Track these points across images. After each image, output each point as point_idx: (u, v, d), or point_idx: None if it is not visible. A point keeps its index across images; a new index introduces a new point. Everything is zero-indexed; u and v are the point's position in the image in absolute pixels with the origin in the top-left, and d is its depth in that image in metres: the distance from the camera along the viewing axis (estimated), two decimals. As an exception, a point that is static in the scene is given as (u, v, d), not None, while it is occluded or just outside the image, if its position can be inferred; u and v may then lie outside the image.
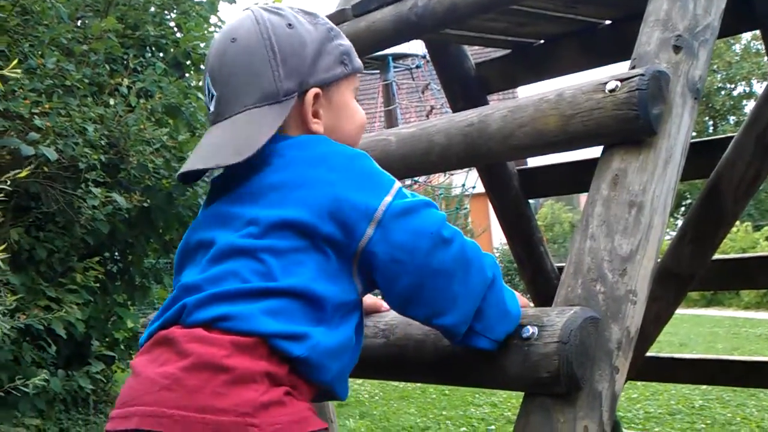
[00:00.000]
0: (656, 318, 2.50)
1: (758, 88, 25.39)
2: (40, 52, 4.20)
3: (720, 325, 10.60)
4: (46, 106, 3.95)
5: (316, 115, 1.23)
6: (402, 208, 1.14)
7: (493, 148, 1.56)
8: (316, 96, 1.22)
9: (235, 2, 5.72)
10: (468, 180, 12.84)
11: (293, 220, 1.11)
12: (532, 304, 1.37)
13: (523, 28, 2.44)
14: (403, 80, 15.02)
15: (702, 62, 1.44)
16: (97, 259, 4.61)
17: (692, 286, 2.60)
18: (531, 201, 3.02)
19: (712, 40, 1.47)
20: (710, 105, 24.97)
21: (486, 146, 1.56)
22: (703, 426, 4.95)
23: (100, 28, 4.49)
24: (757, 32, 2.57)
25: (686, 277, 2.51)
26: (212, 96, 1.23)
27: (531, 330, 1.20)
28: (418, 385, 6.55)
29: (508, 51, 2.71)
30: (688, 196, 21.76)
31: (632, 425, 4.96)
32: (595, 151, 1.51)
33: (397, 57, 13.79)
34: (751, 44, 25.10)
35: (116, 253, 5.41)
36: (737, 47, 25.38)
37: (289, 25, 1.22)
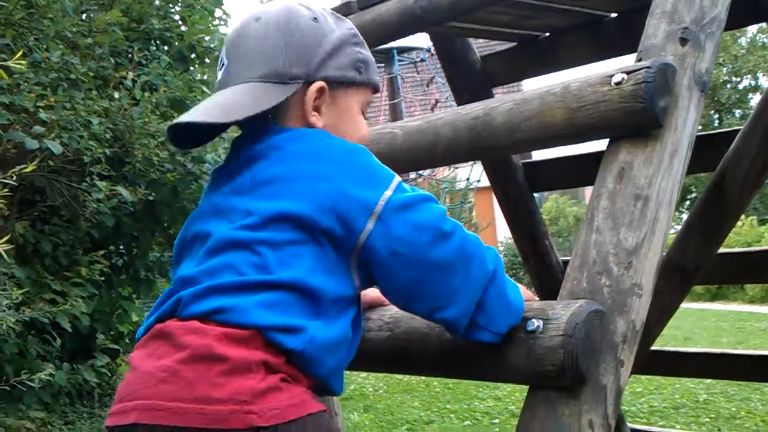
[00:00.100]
0: (661, 312, 2.49)
1: (764, 81, 25.33)
2: (45, 46, 4.20)
3: (725, 319, 10.59)
4: (51, 99, 3.95)
5: (317, 109, 1.23)
6: (402, 202, 1.14)
7: (499, 141, 1.55)
8: (321, 90, 1.22)
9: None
10: (473, 174, 12.81)
11: (291, 213, 1.11)
12: (536, 297, 1.37)
13: (529, 20, 2.43)
14: (407, 74, 14.99)
15: (708, 55, 1.43)
16: (102, 252, 4.62)
17: (697, 279, 2.60)
18: (536, 194, 3.01)
19: (718, 33, 1.47)
20: (716, 98, 24.90)
21: (492, 139, 1.56)
22: (708, 420, 4.95)
23: (105, 22, 4.49)
24: (764, 25, 2.55)
25: (691, 271, 2.50)
26: (222, 65, 1.25)
27: (536, 323, 1.20)
28: (422, 378, 6.56)
29: (513, 44, 2.70)
30: (693, 189, 21.73)
31: (636, 419, 4.96)
32: (600, 144, 1.51)
33: (402, 50, 13.75)
34: (758, 37, 25.01)
35: (121, 247, 5.42)
36: (743, 40, 25.29)
37: (315, 18, 1.24)
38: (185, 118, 1.19)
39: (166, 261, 5.50)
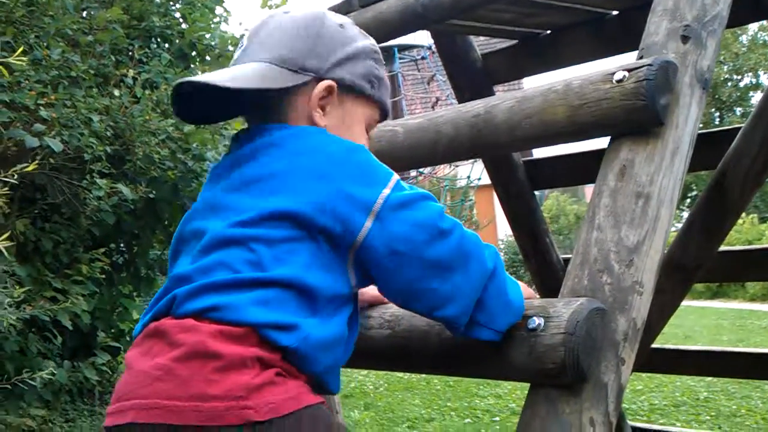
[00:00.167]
0: (662, 310, 2.49)
1: (765, 79, 25.33)
2: (45, 43, 4.19)
3: (725, 317, 10.59)
4: (52, 97, 3.95)
5: (323, 108, 1.23)
6: (400, 201, 1.13)
7: (500, 138, 1.55)
8: (330, 88, 1.23)
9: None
10: (473, 171, 12.80)
11: (288, 211, 1.10)
12: (537, 295, 1.37)
13: (530, 18, 2.43)
14: (408, 71, 14.98)
15: (710, 52, 1.43)
16: (102, 250, 4.62)
17: (698, 277, 2.60)
18: (536, 192, 3.01)
19: (720, 30, 1.46)
20: (717, 96, 24.88)
21: (493, 137, 1.56)
22: (708, 418, 4.95)
23: (105, 19, 4.49)
24: (765, 23, 2.55)
25: (692, 269, 2.50)
26: (242, 47, 1.27)
27: (537, 321, 1.20)
28: (423, 376, 6.56)
29: (514, 41, 2.70)
30: (694, 187, 21.73)
31: (637, 417, 4.96)
32: (601, 142, 1.51)
33: (403, 48, 13.74)
34: (759, 35, 24.99)
35: (122, 245, 5.42)
36: (744, 38, 25.27)
37: (341, 25, 1.28)
38: (190, 78, 1.21)
39: (167, 259, 5.49)
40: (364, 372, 6.89)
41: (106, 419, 1.07)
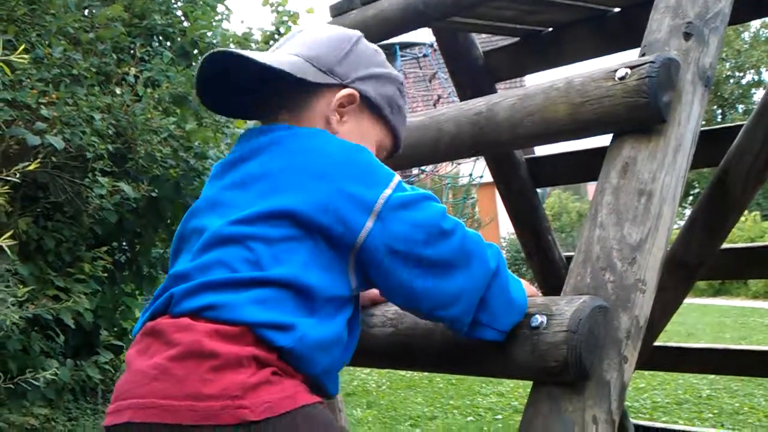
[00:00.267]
0: (664, 307, 2.49)
1: (767, 76, 25.28)
2: (47, 42, 4.20)
3: (727, 315, 10.59)
4: (54, 95, 3.95)
5: (341, 115, 1.24)
6: (401, 201, 1.13)
7: (502, 136, 1.55)
8: (352, 97, 1.25)
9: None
10: (475, 169, 12.80)
11: (288, 210, 1.10)
12: (540, 293, 1.36)
13: (532, 15, 2.43)
14: (410, 69, 14.98)
15: (712, 50, 1.43)
16: (105, 248, 4.63)
17: (700, 275, 2.59)
18: (539, 190, 3.01)
19: (722, 28, 1.46)
20: (719, 93, 24.86)
21: (495, 135, 1.56)
22: (711, 416, 4.94)
23: (107, 17, 4.49)
24: (767, 20, 2.54)
25: (694, 267, 2.50)
26: (276, 48, 1.30)
27: (540, 319, 1.20)
28: (426, 374, 6.56)
29: (516, 39, 2.70)
30: (696, 185, 21.71)
31: (639, 415, 4.96)
32: (604, 140, 1.50)
33: (405, 46, 13.75)
34: (761, 32, 24.96)
35: (124, 243, 5.43)
36: (746, 35, 25.24)
37: (376, 50, 1.33)
38: (229, 50, 1.22)
39: (169, 257, 5.50)
40: (367, 370, 6.89)
41: (106, 419, 1.07)
